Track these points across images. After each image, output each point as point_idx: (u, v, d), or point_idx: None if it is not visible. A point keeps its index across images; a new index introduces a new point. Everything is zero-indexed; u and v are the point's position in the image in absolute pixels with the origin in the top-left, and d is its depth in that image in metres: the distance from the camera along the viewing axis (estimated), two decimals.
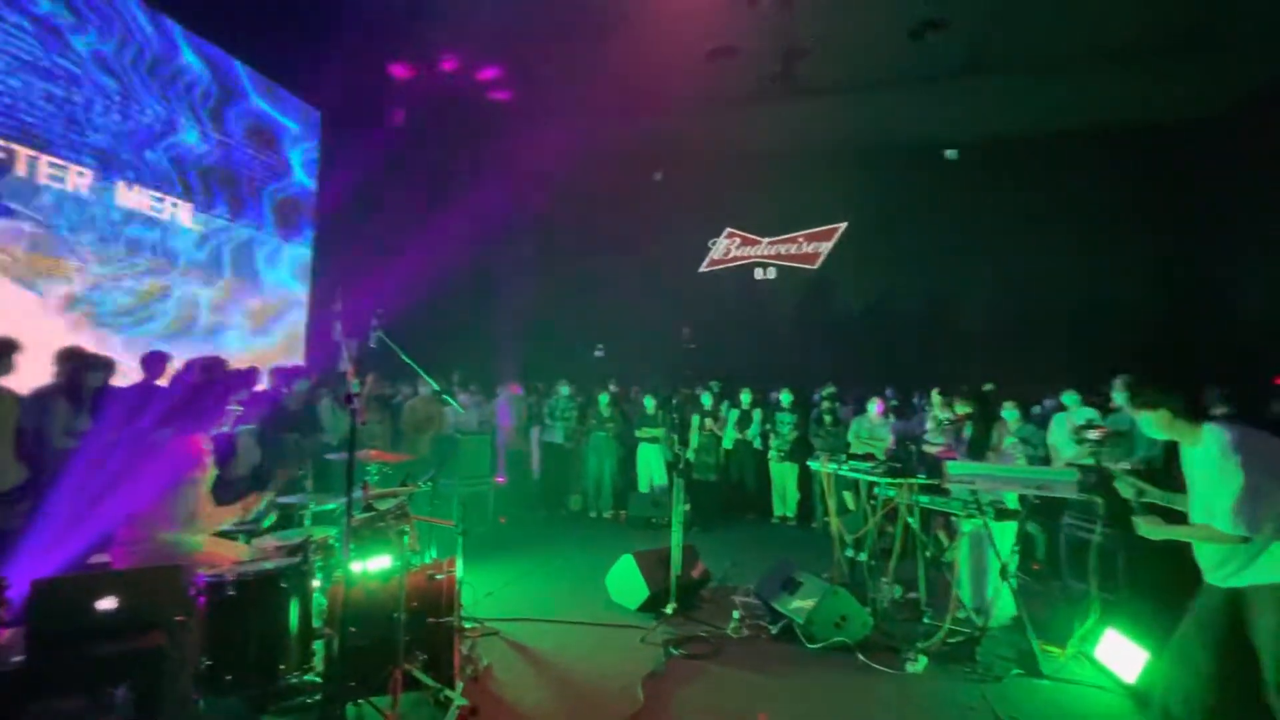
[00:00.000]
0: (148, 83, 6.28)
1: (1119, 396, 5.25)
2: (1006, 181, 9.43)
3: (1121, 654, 3.39)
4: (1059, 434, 5.64)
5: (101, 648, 2.38)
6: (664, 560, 4.36)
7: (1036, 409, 6.83)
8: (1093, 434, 3.79)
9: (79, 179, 5.62)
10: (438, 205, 9.11)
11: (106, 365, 4.47)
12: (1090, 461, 5.19)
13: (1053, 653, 3.62)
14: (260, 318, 7.73)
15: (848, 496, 6.27)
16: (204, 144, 6.94)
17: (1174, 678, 2.50)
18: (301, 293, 8.43)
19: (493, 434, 7.48)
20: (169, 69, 6.54)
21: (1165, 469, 4.98)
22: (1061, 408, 5.88)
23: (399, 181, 8.73)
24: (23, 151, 5.18)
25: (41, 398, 4.06)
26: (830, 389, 7.65)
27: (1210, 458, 2.43)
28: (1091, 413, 5.51)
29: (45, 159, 5.35)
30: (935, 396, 6.33)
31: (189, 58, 6.77)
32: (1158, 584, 4.20)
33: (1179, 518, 2.61)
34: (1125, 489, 2.79)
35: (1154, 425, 2.60)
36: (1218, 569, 2.45)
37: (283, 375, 6.05)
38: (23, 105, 5.21)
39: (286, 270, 8.19)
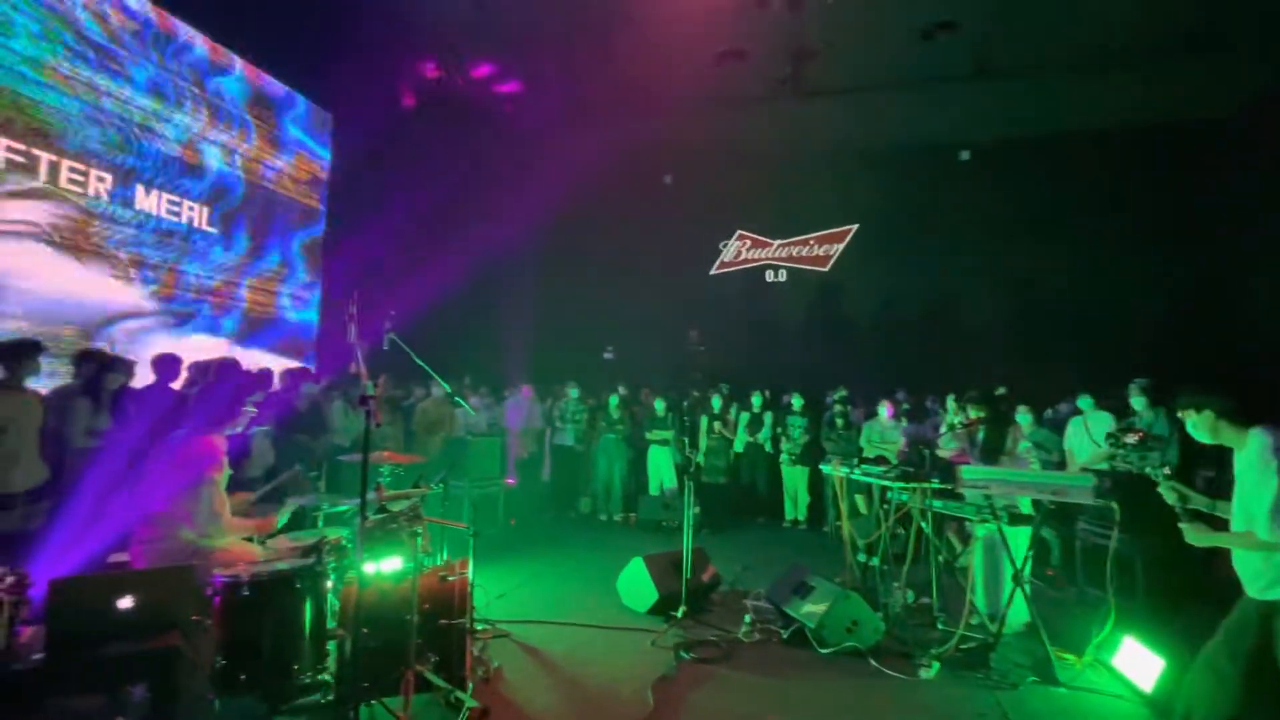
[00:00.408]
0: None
1: (1137, 402, 5.20)
2: (1018, 183, 9.35)
3: (1139, 662, 3.34)
4: (1076, 438, 5.58)
5: (118, 647, 2.41)
6: (674, 564, 4.35)
7: (1049, 413, 6.76)
8: (1131, 438, 3.75)
9: (98, 184, 5.71)
10: (448, 208, 9.16)
11: (126, 366, 4.54)
12: (1105, 466, 5.15)
13: (1068, 660, 3.58)
14: (277, 335, 7.81)
15: (859, 500, 6.23)
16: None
17: (1199, 687, 2.46)
18: (314, 296, 8.51)
19: (503, 436, 7.51)
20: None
21: (1181, 474, 4.93)
22: (1076, 411, 5.82)
23: (409, 184, 8.79)
24: (44, 156, 5.28)
25: (62, 398, 4.13)
26: (842, 392, 7.61)
27: (1250, 462, 2.39)
28: (1108, 416, 5.45)
29: (66, 164, 5.45)
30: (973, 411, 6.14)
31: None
32: (1175, 591, 4.16)
33: (1224, 525, 2.57)
34: (1168, 495, 2.73)
35: (1199, 428, 2.56)
36: (1254, 580, 2.40)
37: (294, 377, 6.11)
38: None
39: (305, 282, 8.28)
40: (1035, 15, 7.01)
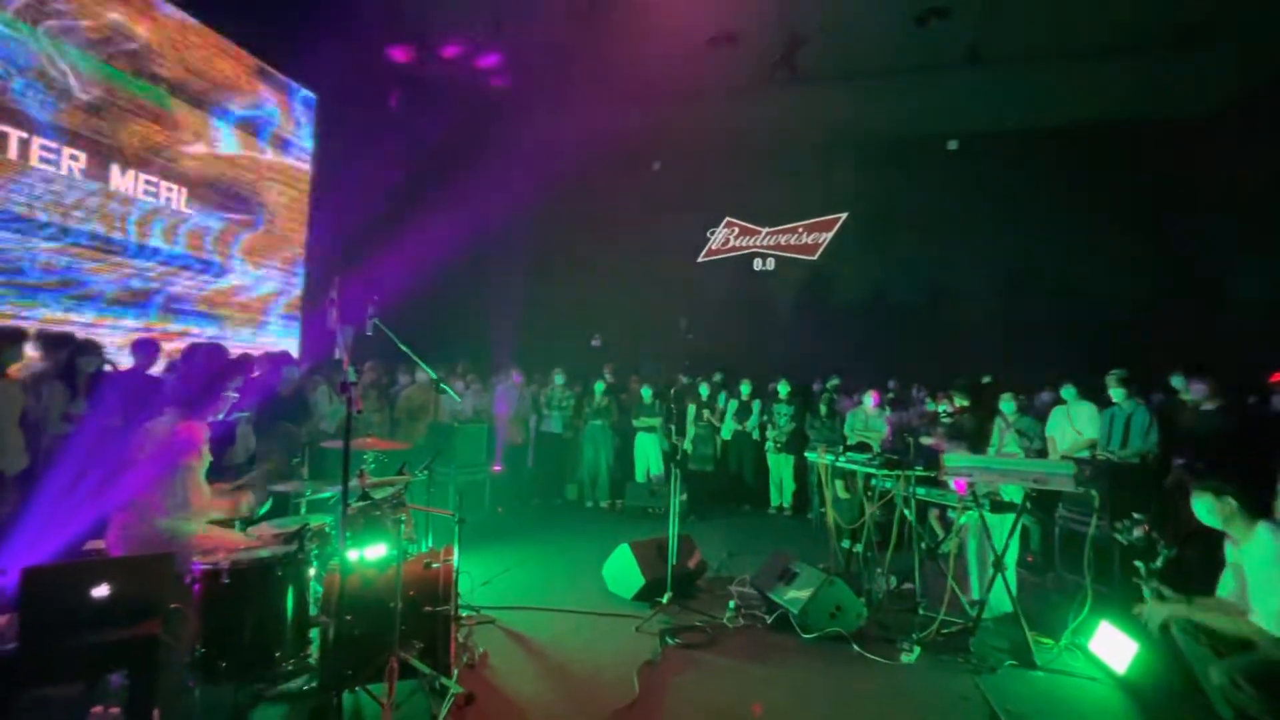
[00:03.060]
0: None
1: (1115, 393, 5.28)
2: (1007, 173, 9.39)
3: (1114, 645, 3.41)
4: (1058, 426, 5.66)
5: (95, 636, 2.36)
6: (660, 550, 4.37)
7: (1021, 399, 6.81)
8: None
9: (71, 162, 5.55)
10: (434, 193, 9.03)
11: (98, 350, 4.45)
12: (1085, 454, 5.23)
13: (1046, 644, 3.65)
14: (253, 308, 7.67)
15: (840, 486, 6.27)
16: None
17: None
18: (297, 279, 8.37)
19: (489, 423, 7.47)
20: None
21: (1160, 462, 5.02)
22: (1058, 400, 5.89)
23: (394, 168, 8.65)
24: (14, 133, 5.11)
25: (36, 383, 4.03)
26: (835, 381, 7.66)
27: (1265, 557, 2.66)
28: (1090, 406, 5.52)
29: (37, 141, 5.28)
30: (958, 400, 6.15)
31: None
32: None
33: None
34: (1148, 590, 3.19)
35: (1213, 512, 2.84)
36: None
37: (273, 361, 6.01)
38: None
39: (280, 261, 8.13)
40: (1027, 5, 7.00)
